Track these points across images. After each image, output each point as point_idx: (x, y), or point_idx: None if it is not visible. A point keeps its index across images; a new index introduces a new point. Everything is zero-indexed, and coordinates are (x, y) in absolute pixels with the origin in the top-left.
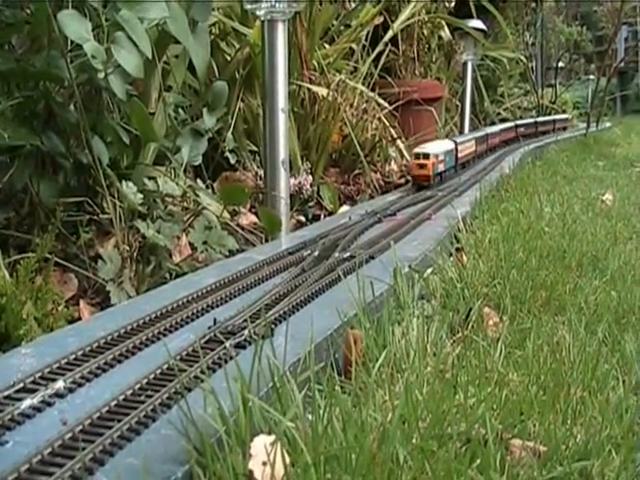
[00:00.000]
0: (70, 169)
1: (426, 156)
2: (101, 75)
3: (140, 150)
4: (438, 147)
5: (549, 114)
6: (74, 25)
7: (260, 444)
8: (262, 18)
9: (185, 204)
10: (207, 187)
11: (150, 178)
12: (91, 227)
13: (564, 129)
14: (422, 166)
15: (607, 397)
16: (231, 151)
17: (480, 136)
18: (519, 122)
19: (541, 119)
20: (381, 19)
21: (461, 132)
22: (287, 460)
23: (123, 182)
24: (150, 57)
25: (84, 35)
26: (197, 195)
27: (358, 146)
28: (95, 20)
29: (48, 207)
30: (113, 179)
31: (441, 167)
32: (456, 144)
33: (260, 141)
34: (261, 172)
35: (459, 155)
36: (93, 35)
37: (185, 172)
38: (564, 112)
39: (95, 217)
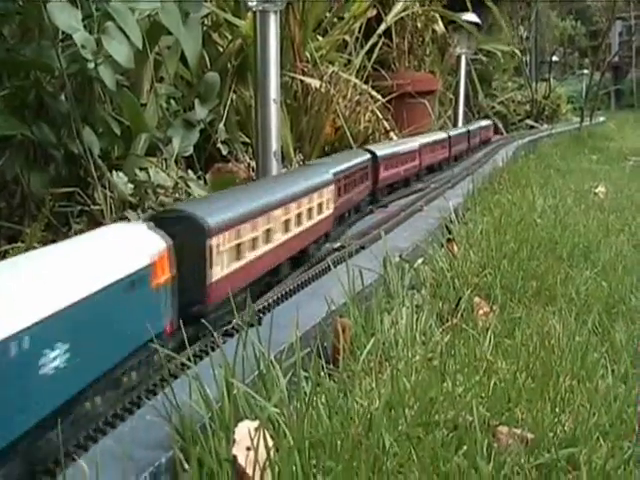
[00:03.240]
0: (61, 159)
1: None
2: (91, 65)
3: (132, 141)
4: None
5: (543, 109)
6: (64, 15)
7: (244, 429)
8: (254, 9)
9: (177, 195)
10: (199, 178)
11: (142, 169)
12: (82, 218)
13: (486, 142)
14: None
15: (596, 385)
16: (223, 142)
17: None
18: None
19: (454, 132)
20: (374, 12)
21: (455, 125)
22: (271, 445)
23: (114, 172)
24: (141, 48)
25: (74, 25)
26: (188, 186)
27: (351, 138)
28: (86, 10)
29: (39, 197)
30: (104, 170)
31: None
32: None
33: (252, 132)
34: (253, 163)
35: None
36: (84, 25)
37: (177, 163)
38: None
39: (86, 208)
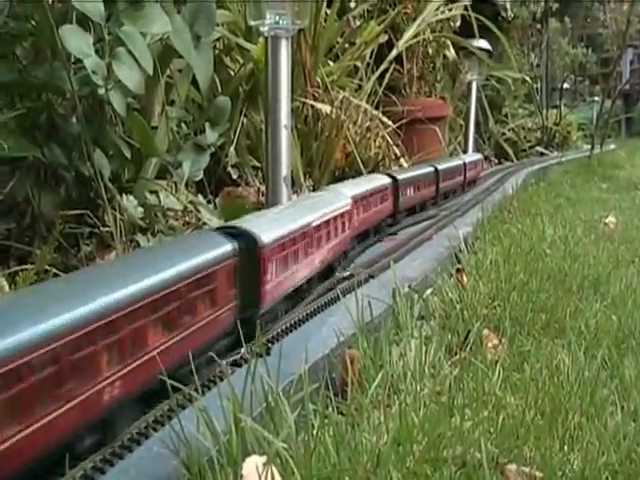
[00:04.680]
0: (71, 181)
1: None
2: (102, 91)
3: (142, 164)
4: None
5: (553, 136)
6: (75, 39)
7: (252, 464)
8: (266, 34)
9: (186, 219)
10: (209, 202)
11: (152, 192)
12: (92, 240)
13: (474, 181)
14: None
15: (605, 423)
16: (233, 166)
17: None
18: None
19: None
20: (386, 37)
21: (465, 152)
22: None
23: (124, 195)
24: (151, 73)
25: (85, 50)
26: (198, 210)
27: (361, 164)
28: (98, 33)
29: (49, 219)
30: (114, 192)
31: None
32: None
33: (263, 157)
34: (263, 188)
35: None
36: (95, 49)
37: (187, 187)
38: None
39: (96, 230)
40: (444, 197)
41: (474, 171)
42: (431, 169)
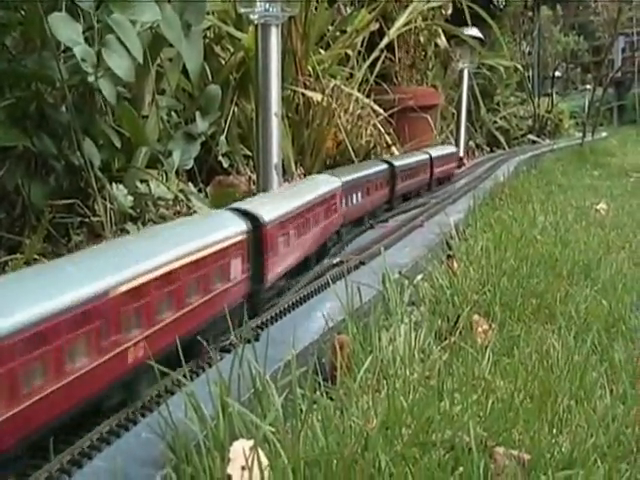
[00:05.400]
0: (62, 171)
1: None
2: (91, 79)
3: (132, 153)
4: None
5: (545, 124)
6: (65, 28)
7: (239, 448)
8: (256, 22)
9: (177, 208)
10: (200, 191)
11: (142, 181)
12: (82, 229)
13: (448, 179)
14: None
15: (594, 406)
16: (224, 155)
17: None
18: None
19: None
20: (377, 25)
21: (456, 140)
22: (266, 464)
23: (113, 184)
24: (141, 61)
25: (75, 38)
26: (189, 199)
27: (352, 152)
28: (88, 22)
29: (39, 209)
30: (104, 182)
31: None
32: None
33: (254, 145)
34: (254, 176)
35: None
36: (85, 37)
37: (178, 176)
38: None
39: (86, 219)
40: (403, 200)
41: (445, 167)
42: (384, 166)
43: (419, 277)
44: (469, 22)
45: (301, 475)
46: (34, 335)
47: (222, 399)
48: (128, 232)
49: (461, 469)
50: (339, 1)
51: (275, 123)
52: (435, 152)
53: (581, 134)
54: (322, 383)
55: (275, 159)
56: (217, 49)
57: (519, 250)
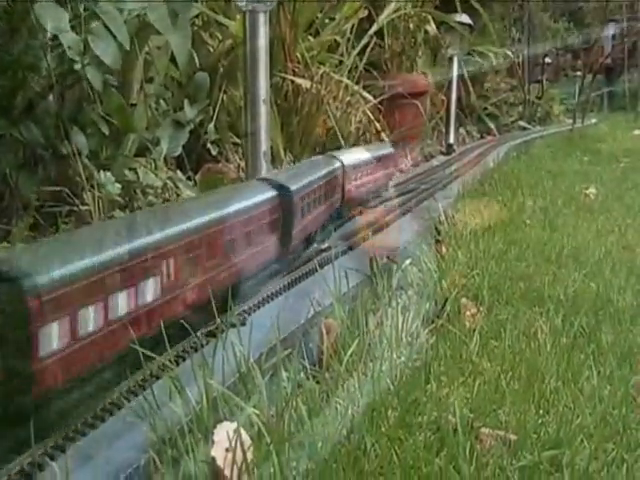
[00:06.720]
0: (49, 160)
1: None
2: (78, 66)
3: (120, 141)
4: None
5: (535, 110)
6: (51, 16)
7: (223, 431)
8: (244, 9)
9: (166, 195)
10: (188, 178)
11: (130, 169)
12: (70, 218)
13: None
14: None
15: (581, 387)
16: (213, 143)
17: None
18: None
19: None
20: (366, 12)
21: (447, 126)
22: (251, 446)
23: (102, 172)
24: (128, 49)
25: (61, 26)
26: (177, 186)
27: (342, 139)
28: (74, 10)
29: (27, 198)
30: (92, 170)
31: None
32: None
33: (242, 132)
34: (243, 164)
35: None
36: (71, 25)
37: (166, 163)
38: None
39: (75, 208)
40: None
41: (371, 177)
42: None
43: (407, 261)
44: (459, 9)
45: (285, 456)
46: None
47: (205, 381)
48: None
49: (447, 450)
50: None
51: (264, 110)
52: (347, 159)
53: (571, 120)
54: (309, 367)
55: (264, 146)
56: (205, 36)
57: (508, 234)
